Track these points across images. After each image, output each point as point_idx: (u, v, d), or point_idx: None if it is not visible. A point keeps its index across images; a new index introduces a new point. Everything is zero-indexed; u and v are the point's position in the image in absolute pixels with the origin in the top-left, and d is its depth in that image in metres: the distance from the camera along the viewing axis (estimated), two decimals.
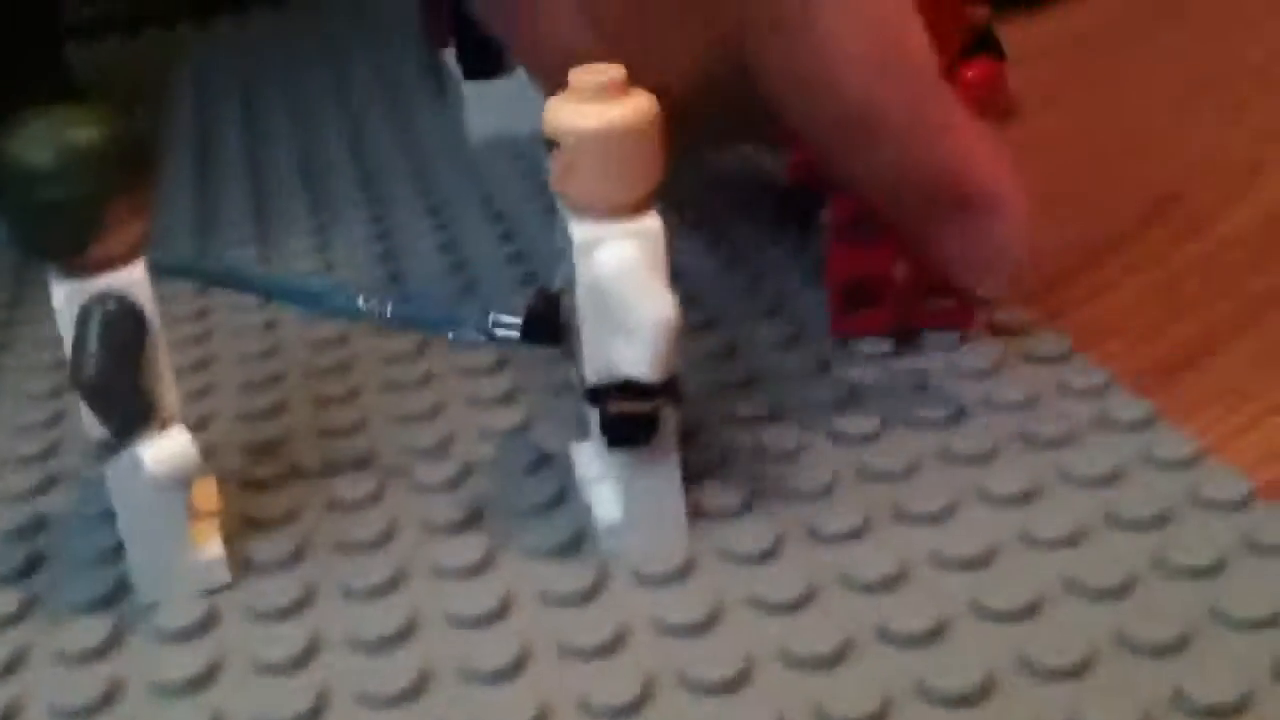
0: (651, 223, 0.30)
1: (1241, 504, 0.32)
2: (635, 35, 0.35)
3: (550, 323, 0.34)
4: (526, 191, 0.54)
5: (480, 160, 0.57)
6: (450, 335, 0.35)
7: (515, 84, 0.58)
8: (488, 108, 0.59)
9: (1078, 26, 0.69)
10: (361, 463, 0.37)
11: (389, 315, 0.35)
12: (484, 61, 0.59)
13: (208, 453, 0.37)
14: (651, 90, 0.30)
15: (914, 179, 0.34)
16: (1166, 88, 0.60)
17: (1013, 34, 0.69)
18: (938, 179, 0.34)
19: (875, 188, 0.35)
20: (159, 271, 0.31)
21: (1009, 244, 0.34)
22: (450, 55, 0.60)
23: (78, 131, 0.28)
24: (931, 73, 0.34)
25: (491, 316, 0.34)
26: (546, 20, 0.36)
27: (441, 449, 0.37)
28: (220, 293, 0.46)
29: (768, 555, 0.32)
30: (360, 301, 0.35)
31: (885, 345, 0.40)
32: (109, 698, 0.29)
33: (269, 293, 0.38)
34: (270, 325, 0.45)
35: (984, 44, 0.47)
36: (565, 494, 0.35)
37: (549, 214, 0.32)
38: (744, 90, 0.34)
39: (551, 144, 0.30)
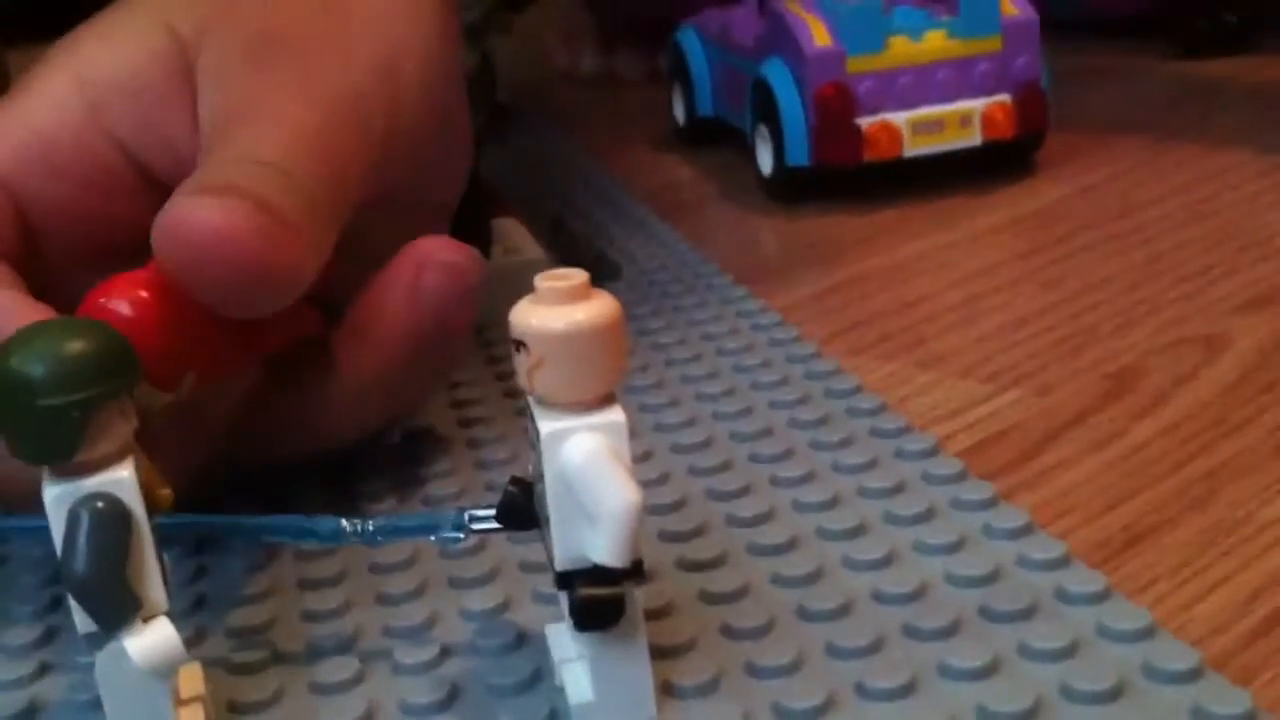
0: (615, 415, 0.32)
1: (1191, 676, 0.33)
2: None
3: (525, 509, 0.35)
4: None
5: None
6: (432, 539, 0.37)
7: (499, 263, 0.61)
8: None
9: (1031, 208, 0.72)
10: (344, 645, 0.38)
11: (372, 531, 0.37)
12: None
13: (197, 637, 0.39)
14: None
15: None
16: (1125, 265, 0.62)
17: (972, 214, 0.72)
18: None
19: None
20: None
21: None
22: None
23: (67, 344, 0.30)
24: None
25: (468, 514, 0.36)
26: None
27: (422, 631, 0.38)
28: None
29: None
30: (344, 524, 0.37)
31: (853, 521, 0.41)
32: None
33: (256, 534, 0.39)
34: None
35: None
36: (541, 674, 0.36)
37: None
38: None
39: (519, 344, 0.32)
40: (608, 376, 0.32)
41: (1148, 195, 0.72)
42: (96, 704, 0.33)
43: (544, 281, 0.32)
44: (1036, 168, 0.77)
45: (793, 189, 0.76)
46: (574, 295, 0.32)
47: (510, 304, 0.32)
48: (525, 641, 0.37)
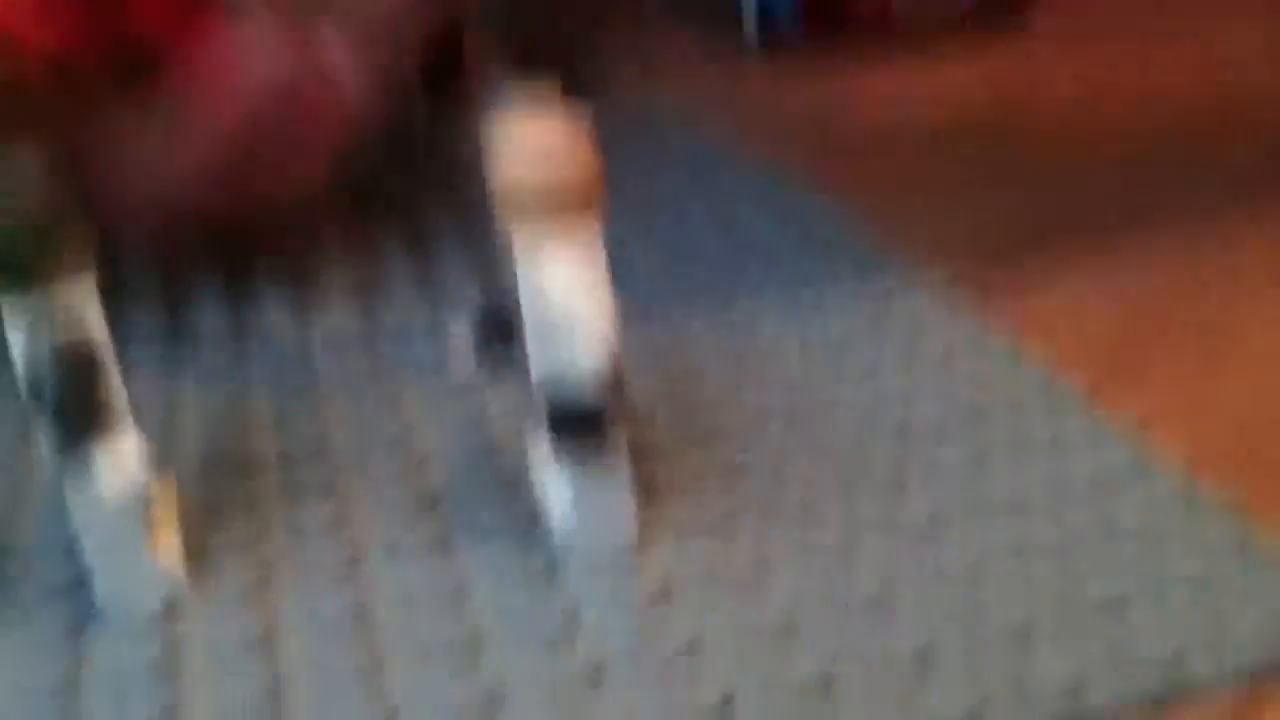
0: (591, 228, 0.31)
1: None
2: None
3: (501, 323, 0.34)
4: None
5: None
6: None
7: None
8: None
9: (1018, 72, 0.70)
10: (316, 453, 0.37)
11: None
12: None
13: (168, 464, 0.38)
14: None
15: None
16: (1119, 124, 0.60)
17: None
18: None
19: None
20: None
21: None
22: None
23: (23, 162, 0.29)
24: None
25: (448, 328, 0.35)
26: None
27: (401, 440, 0.38)
28: (186, 310, 0.48)
29: (722, 531, 0.32)
30: None
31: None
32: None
33: None
34: (237, 334, 0.46)
35: None
36: (519, 481, 0.35)
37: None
38: None
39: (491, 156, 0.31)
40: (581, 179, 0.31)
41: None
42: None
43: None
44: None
45: (778, 42, 0.73)
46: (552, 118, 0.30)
47: None
48: (501, 450, 0.37)
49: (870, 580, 0.30)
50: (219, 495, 0.36)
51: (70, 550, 0.33)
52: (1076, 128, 0.54)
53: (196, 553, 0.33)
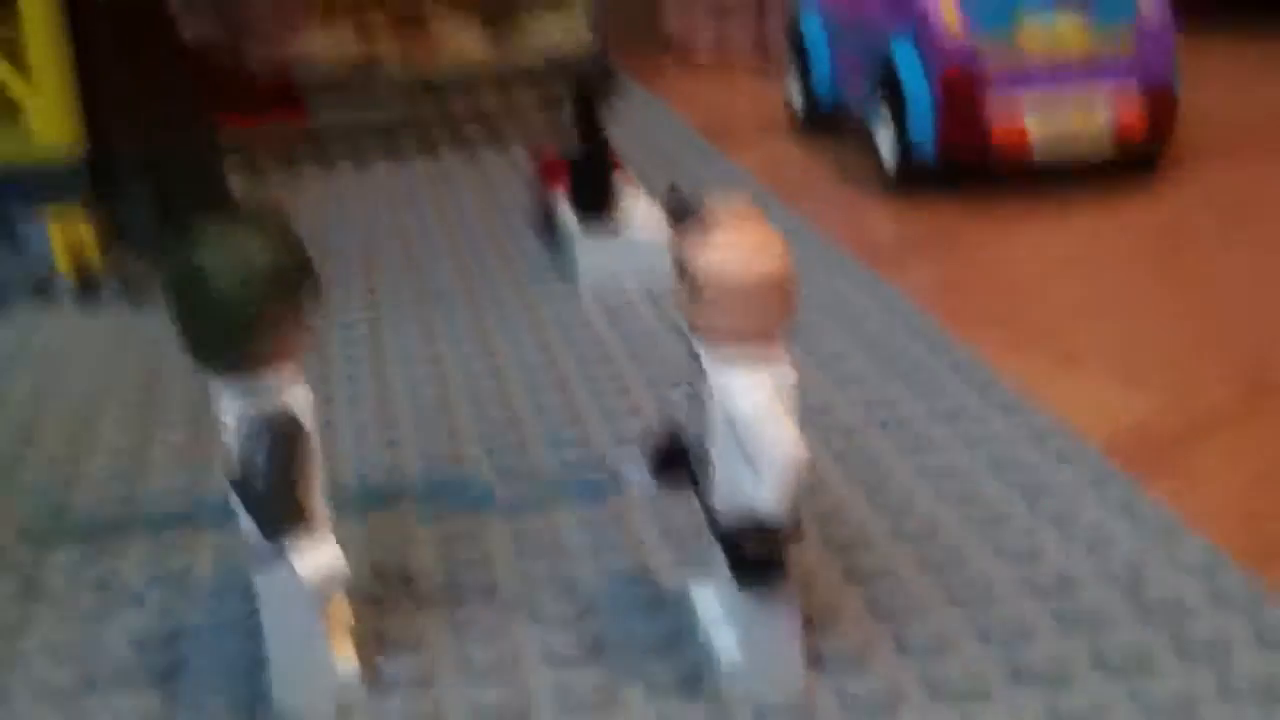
0: (785, 368, 0.31)
1: None
2: None
3: (679, 462, 0.34)
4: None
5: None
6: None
7: (625, 237, 0.60)
8: (598, 257, 0.61)
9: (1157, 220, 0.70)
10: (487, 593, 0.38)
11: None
12: (597, 199, 0.61)
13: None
14: None
15: None
16: (1257, 273, 0.60)
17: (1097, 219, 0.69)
18: None
19: None
20: None
21: None
22: (563, 199, 0.63)
23: (255, 251, 0.29)
24: None
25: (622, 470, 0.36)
26: None
27: (565, 587, 0.38)
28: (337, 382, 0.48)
29: (886, 707, 0.32)
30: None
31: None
32: None
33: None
34: (391, 444, 0.46)
35: None
36: (682, 633, 0.35)
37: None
38: None
39: (683, 271, 0.31)
40: (777, 312, 0.31)
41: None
42: (241, 626, 0.32)
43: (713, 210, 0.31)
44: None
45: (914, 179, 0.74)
46: (744, 225, 0.31)
47: None
48: (666, 600, 0.37)
49: None
50: (383, 601, 0.36)
51: (244, 633, 0.33)
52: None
53: (364, 656, 0.34)
